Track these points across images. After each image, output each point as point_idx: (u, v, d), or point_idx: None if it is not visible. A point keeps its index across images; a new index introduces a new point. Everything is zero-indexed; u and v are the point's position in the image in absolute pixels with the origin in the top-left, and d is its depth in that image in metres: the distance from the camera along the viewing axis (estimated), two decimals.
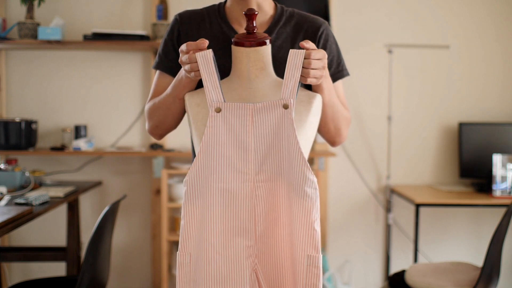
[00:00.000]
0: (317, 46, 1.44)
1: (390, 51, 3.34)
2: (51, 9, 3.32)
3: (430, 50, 3.42)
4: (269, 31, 1.43)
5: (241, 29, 1.44)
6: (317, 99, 1.33)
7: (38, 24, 3.11)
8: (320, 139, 3.30)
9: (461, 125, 3.28)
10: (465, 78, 3.46)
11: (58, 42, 3.07)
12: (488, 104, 3.46)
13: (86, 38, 3.09)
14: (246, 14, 1.29)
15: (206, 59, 1.23)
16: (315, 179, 1.23)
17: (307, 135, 1.30)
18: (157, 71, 1.51)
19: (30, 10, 3.10)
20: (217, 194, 1.25)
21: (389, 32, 3.42)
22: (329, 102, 1.38)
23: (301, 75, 1.23)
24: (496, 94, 3.47)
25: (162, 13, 3.24)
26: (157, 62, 1.50)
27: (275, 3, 1.49)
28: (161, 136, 1.52)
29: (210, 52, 1.23)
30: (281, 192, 1.25)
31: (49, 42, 3.06)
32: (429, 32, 3.44)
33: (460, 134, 3.28)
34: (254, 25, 1.29)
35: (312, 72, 1.23)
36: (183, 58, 1.27)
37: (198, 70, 1.25)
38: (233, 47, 1.32)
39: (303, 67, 1.22)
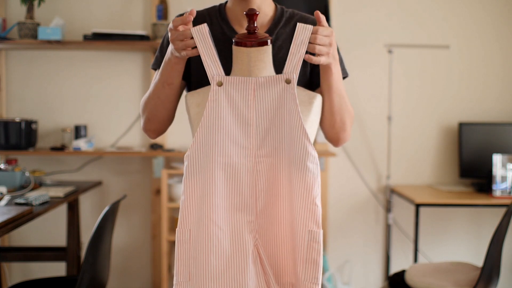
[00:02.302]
0: None
1: (390, 51, 3.34)
2: (51, 9, 3.32)
3: (430, 50, 3.42)
4: (269, 32, 1.43)
5: (241, 29, 1.43)
6: (318, 99, 1.33)
7: (38, 24, 3.11)
8: (320, 139, 3.30)
9: (461, 125, 3.28)
10: (465, 78, 3.46)
11: (58, 42, 3.07)
12: (488, 104, 3.46)
13: (86, 38, 3.09)
14: (247, 14, 1.28)
15: (202, 34, 1.23)
16: (316, 154, 1.23)
17: None
18: (156, 71, 1.49)
19: (30, 10, 3.10)
20: (219, 168, 1.24)
21: (389, 32, 3.42)
22: (336, 90, 1.34)
23: (307, 51, 1.23)
24: (496, 94, 3.47)
25: (162, 13, 3.24)
26: (156, 62, 1.48)
27: (275, 4, 1.49)
28: (155, 132, 1.47)
29: (205, 26, 1.23)
30: (282, 168, 1.25)
31: (49, 42, 3.06)
32: (429, 32, 3.44)
33: (460, 134, 3.28)
34: (255, 25, 1.29)
35: (318, 47, 1.22)
36: (175, 35, 1.24)
37: (193, 47, 1.24)
38: (234, 47, 1.32)
39: (309, 42, 1.22)
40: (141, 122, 1.47)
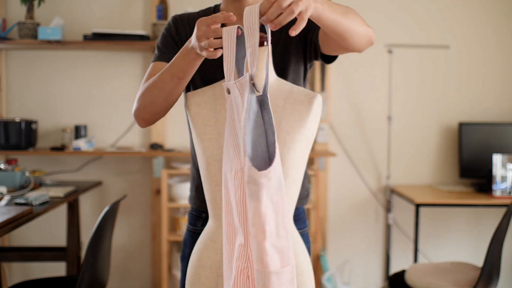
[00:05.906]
0: None
1: (390, 51, 3.34)
2: (51, 9, 3.32)
3: (430, 50, 3.42)
4: (260, 29, 1.42)
5: None
6: (318, 99, 1.33)
7: (38, 24, 3.11)
8: (320, 139, 3.30)
9: (461, 125, 3.28)
10: (465, 78, 3.46)
11: (58, 42, 3.07)
12: (487, 104, 3.46)
13: (86, 38, 3.10)
14: None
15: (230, 36, 1.12)
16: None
17: (307, 135, 1.29)
18: (154, 62, 1.42)
19: (30, 10, 3.10)
20: (224, 182, 1.17)
21: (389, 32, 3.42)
22: (340, 18, 1.17)
23: (275, 25, 1.05)
24: (495, 94, 3.47)
25: (162, 13, 3.24)
26: (157, 55, 1.43)
27: None
28: (145, 121, 1.36)
29: (235, 28, 1.12)
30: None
31: (49, 42, 3.06)
32: (429, 33, 3.44)
33: (460, 134, 3.28)
34: None
35: (283, 18, 1.03)
36: (204, 31, 1.13)
37: (217, 48, 1.13)
38: None
39: (272, 20, 1.05)
40: (134, 106, 1.35)
